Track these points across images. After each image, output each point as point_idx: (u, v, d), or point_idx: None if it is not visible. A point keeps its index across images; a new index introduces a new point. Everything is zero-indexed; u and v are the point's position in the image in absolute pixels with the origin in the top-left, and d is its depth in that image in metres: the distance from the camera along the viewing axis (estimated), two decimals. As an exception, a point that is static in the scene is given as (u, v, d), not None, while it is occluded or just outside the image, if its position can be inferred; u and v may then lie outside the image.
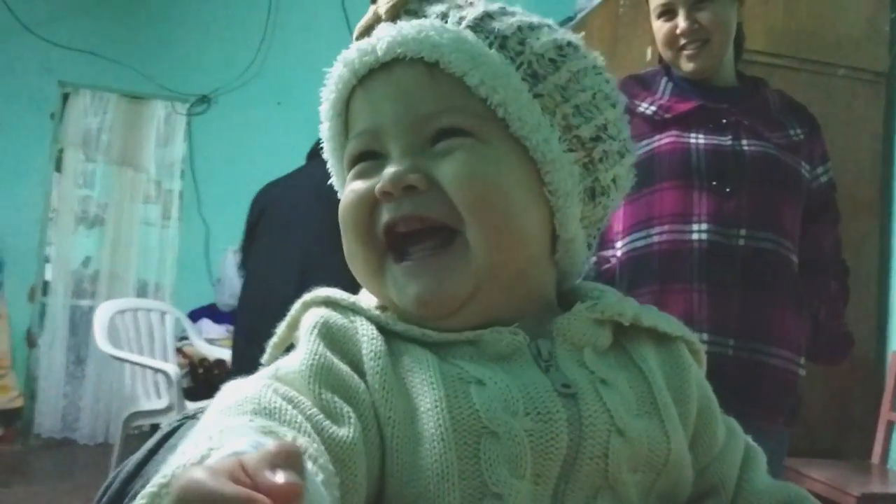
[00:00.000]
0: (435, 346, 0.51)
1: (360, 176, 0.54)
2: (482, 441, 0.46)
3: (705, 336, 1.29)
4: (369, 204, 0.53)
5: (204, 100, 4.08)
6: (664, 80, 1.46)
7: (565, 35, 0.57)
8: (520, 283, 0.54)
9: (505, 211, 0.51)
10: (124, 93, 4.10)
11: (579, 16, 3.60)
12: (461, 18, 0.55)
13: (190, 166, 4.15)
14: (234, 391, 0.44)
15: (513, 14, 0.56)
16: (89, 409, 3.98)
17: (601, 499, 0.48)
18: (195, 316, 3.72)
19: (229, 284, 3.63)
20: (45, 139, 3.99)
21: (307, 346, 0.48)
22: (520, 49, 0.54)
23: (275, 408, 0.42)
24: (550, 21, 0.58)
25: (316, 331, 0.49)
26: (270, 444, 0.30)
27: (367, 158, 0.55)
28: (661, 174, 1.36)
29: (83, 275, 4.26)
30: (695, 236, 1.33)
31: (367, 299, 0.56)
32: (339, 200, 0.56)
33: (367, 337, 0.50)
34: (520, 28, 0.55)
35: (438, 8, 0.55)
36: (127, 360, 2.96)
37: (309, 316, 0.51)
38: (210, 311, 3.81)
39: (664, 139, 1.38)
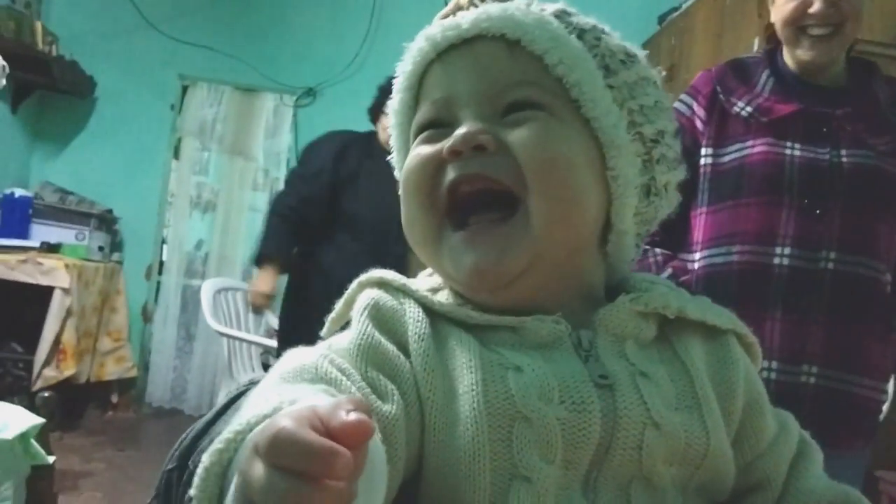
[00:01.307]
0: (478, 329, 0.52)
1: (427, 141, 0.55)
2: (515, 425, 0.47)
3: (774, 364, 1.22)
4: (435, 165, 0.54)
5: (310, 92, 4.24)
6: (766, 72, 1.35)
7: (633, 46, 0.59)
8: (571, 266, 0.54)
9: (570, 183, 0.52)
10: (237, 85, 4.31)
11: (684, 6, 3.50)
12: (543, 9, 0.57)
13: (295, 156, 4.32)
14: (293, 359, 0.47)
15: (587, 17, 0.59)
16: (196, 382, 4.21)
17: (634, 489, 0.49)
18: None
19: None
20: (165, 129, 4.25)
21: (357, 326, 0.51)
22: (595, 43, 0.56)
23: (332, 378, 0.45)
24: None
25: (367, 312, 0.52)
26: (341, 397, 0.32)
27: (436, 126, 0.55)
28: (749, 187, 1.29)
29: (195, 256, 4.51)
30: (776, 260, 1.25)
31: (418, 282, 0.57)
32: None
33: (413, 319, 0.51)
34: (595, 27, 0.58)
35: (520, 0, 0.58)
36: (231, 336, 3.13)
37: (362, 296, 0.54)
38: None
39: (757, 146, 1.29)
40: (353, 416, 0.30)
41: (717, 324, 0.56)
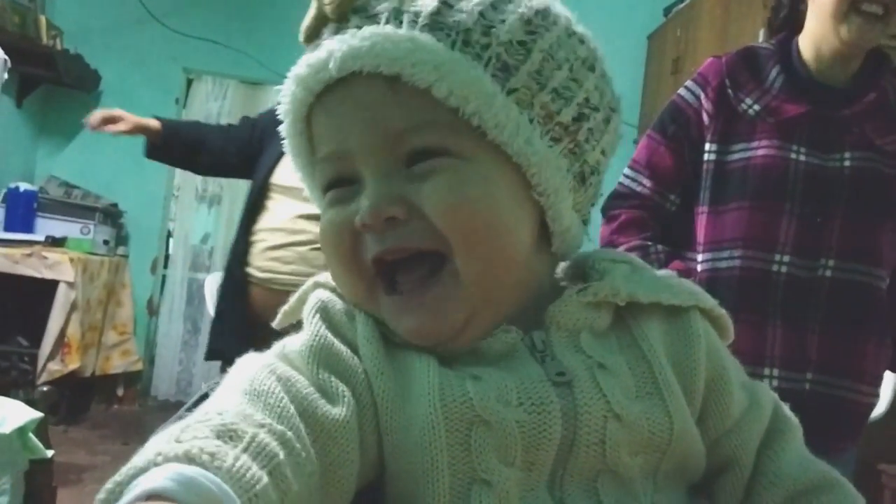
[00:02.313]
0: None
1: (335, 204, 0.51)
2: (473, 429, 0.46)
3: (776, 372, 1.22)
4: (351, 234, 0.50)
5: (313, 85, 4.24)
6: (776, 68, 1.31)
7: (530, 3, 0.51)
8: (516, 291, 0.52)
9: (495, 235, 0.49)
10: (242, 79, 4.31)
11: (689, -2, 3.47)
12: (416, 16, 0.48)
13: (299, 150, 4.33)
14: (241, 368, 0.47)
15: None
16: (201, 375, 4.23)
17: (602, 482, 0.48)
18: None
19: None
20: (170, 122, 4.27)
21: (309, 328, 0.50)
22: (486, 42, 0.48)
23: (264, 390, 0.44)
24: None
25: (319, 314, 0.50)
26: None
27: (341, 184, 0.51)
28: (752, 191, 1.27)
29: (201, 250, 4.53)
30: (775, 267, 1.24)
31: None
32: None
33: (362, 322, 0.50)
34: (482, 14, 0.49)
35: (388, 4, 0.49)
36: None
37: (313, 297, 0.52)
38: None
39: (762, 149, 1.27)
40: None
41: (675, 303, 0.53)
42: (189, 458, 0.35)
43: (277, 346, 0.50)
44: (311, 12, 0.51)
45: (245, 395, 0.43)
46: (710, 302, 0.55)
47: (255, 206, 2.13)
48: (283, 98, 0.52)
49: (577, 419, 0.47)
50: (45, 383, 3.16)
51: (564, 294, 0.52)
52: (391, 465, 0.47)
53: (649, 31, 4.01)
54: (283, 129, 0.54)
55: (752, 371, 1.24)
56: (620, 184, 1.41)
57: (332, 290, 0.53)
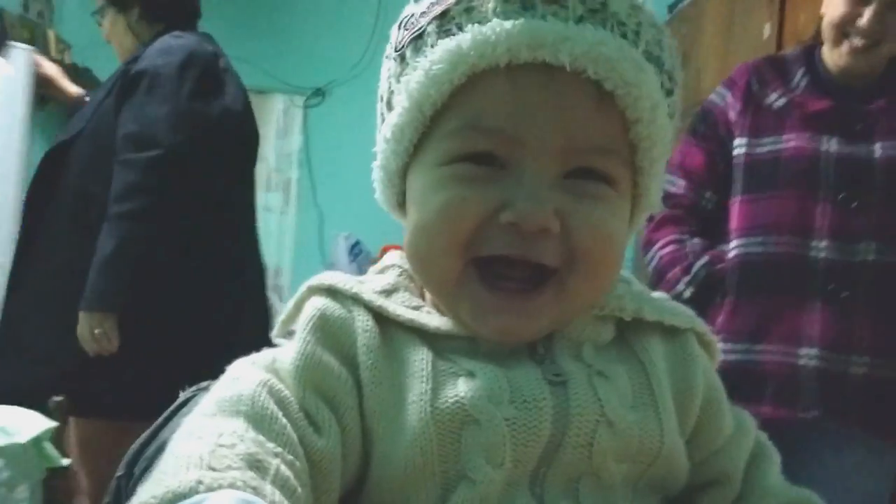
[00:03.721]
0: (433, 337, 0.50)
1: (468, 181, 0.48)
2: (465, 429, 0.46)
3: (815, 351, 1.25)
4: (478, 219, 0.47)
5: (318, 92, 4.26)
6: (801, 70, 1.37)
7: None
8: None
9: (615, 269, 0.52)
10: (248, 88, 4.33)
11: (692, -5, 3.47)
12: (637, 35, 0.47)
13: (306, 156, 4.35)
14: (235, 381, 0.46)
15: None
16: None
17: (583, 484, 0.48)
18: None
19: (340, 269, 3.78)
20: (177, 132, 4.30)
21: (299, 344, 0.49)
22: (671, 87, 0.50)
23: (266, 415, 0.44)
24: None
25: (311, 324, 0.50)
26: None
27: (478, 160, 0.48)
28: (784, 180, 1.31)
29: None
30: (812, 252, 1.28)
31: (371, 282, 0.54)
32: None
33: (362, 329, 0.49)
34: (671, 52, 0.50)
35: (621, 5, 0.47)
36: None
37: (309, 305, 0.51)
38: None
39: (791, 141, 1.32)
40: None
41: (674, 324, 0.55)
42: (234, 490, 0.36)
43: (268, 357, 0.50)
44: None
45: (248, 419, 0.43)
46: (703, 326, 0.57)
47: None
48: (459, 41, 0.46)
49: (568, 419, 0.48)
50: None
51: None
52: (377, 473, 0.48)
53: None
54: (429, 73, 0.47)
55: (787, 350, 1.27)
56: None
57: (329, 293, 0.52)
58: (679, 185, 1.45)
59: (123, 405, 1.71)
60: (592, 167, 0.48)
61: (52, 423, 1.88)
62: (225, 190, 1.84)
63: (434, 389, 0.47)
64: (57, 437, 1.93)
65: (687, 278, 1.39)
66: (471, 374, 0.48)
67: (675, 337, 0.55)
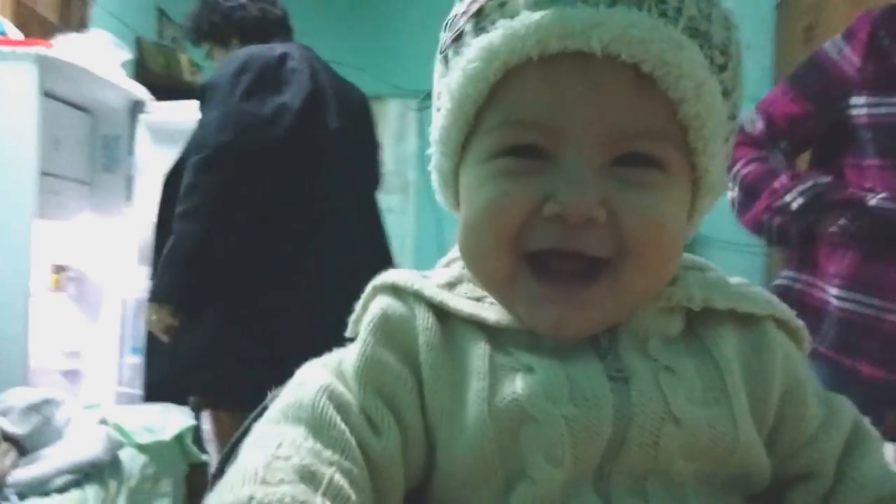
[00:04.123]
0: (494, 330, 0.50)
1: (512, 176, 0.47)
2: (524, 427, 0.46)
3: None
4: (524, 214, 0.47)
5: (430, 95, 4.32)
6: None
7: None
8: None
9: (671, 257, 0.49)
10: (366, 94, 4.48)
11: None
12: (678, 12, 0.45)
13: (422, 158, 4.43)
14: (298, 387, 0.48)
15: None
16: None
17: (651, 483, 0.46)
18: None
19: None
20: (301, 142, 4.50)
21: (360, 345, 0.50)
22: (723, 61, 0.47)
23: (325, 422, 0.45)
24: None
25: (372, 325, 0.50)
26: None
27: (522, 153, 0.47)
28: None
29: (336, 261, 4.73)
30: None
31: (435, 277, 0.54)
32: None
33: (423, 327, 0.50)
34: (726, 25, 0.48)
35: None
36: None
37: (374, 305, 0.52)
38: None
39: None
40: None
41: (750, 311, 0.51)
42: None
43: (335, 359, 0.52)
44: None
45: (308, 427, 0.45)
46: (786, 313, 0.53)
47: None
48: (493, 34, 0.46)
49: (630, 417, 0.46)
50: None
51: None
52: (442, 469, 0.48)
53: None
54: (472, 67, 0.47)
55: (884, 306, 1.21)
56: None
57: (392, 291, 0.53)
58: (757, 128, 1.38)
59: (253, 395, 1.81)
60: (639, 152, 0.46)
61: (193, 421, 2.03)
62: (291, 185, 1.87)
63: (492, 386, 0.47)
64: (197, 435, 2.07)
65: (802, 187, 1.29)
66: (529, 370, 0.47)
67: (752, 325, 0.51)
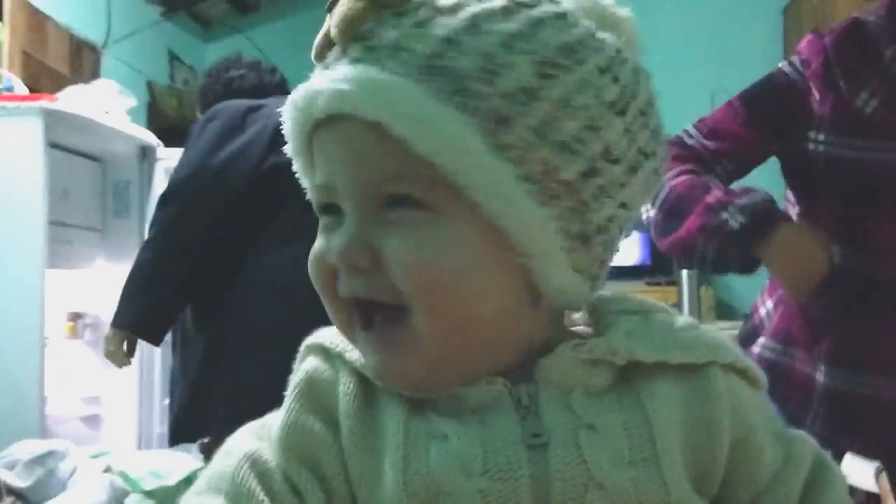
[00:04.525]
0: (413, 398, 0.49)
1: (323, 231, 0.51)
2: (440, 501, 0.45)
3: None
4: (330, 267, 0.49)
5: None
6: (891, 48, 1.08)
7: (559, 35, 0.46)
8: (490, 348, 0.49)
9: (458, 299, 0.46)
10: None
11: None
12: (412, 57, 0.45)
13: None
14: (224, 456, 0.49)
15: (494, 20, 0.45)
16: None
17: None
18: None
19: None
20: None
21: (285, 412, 0.50)
22: (485, 91, 0.44)
23: (244, 492, 0.46)
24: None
25: (298, 390, 0.51)
26: None
27: (331, 211, 0.50)
28: (883, 197, 1.09)
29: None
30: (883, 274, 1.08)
31: None
32: None
33: (343, 393, 0.49)
34: (488, 56, 0.44)
35: (393, 35, 0.46)
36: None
37: (302, 367, 0.52)
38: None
39: (885, 152, 1.09)
40: None
41: (686, 360, 0.48)
42: None
43: (264, 423, 0.52)
44: (322, 30, 0.49)
45: (228, 498, 0.46)
46: (730, 356, 0.50)
47: None
48: (285, 118, 0.51)
49: (549, 487, 0.44)
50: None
51: (557, 349, 0.49)
52: None
53: (784, 3, 3.71)
54: (288, 150, 0.52)
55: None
56: (674, 135, 1.21)
57: (321, 352, 0.52)
58: (696, 139, 1.19)
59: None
60: (395, 193, 0.47)
61: (200, 465, 2.03)
62: (253, 221, 1.90)
63: (405, 457, 0.46)
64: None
65: (741, 202, 1.08)
66: (444, 438, 0.46)
67: (693, 374, 0.49)
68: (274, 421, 0.51)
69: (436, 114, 0.44)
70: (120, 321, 1.93)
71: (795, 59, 1.20)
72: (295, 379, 0.52)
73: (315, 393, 0.50)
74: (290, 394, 0.51)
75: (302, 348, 0.54)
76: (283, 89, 2.14)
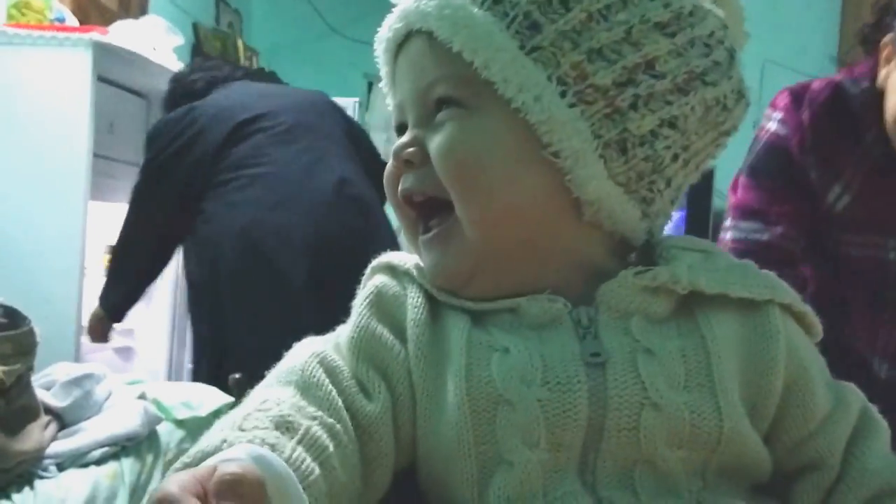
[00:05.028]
0: (476, 311, 0.51)
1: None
2: (499, 409, 0.46)
3: None
4: (397, 174, 0.56)
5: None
6: (873, 130, 1.00)
7: None
8: (533, 253, 0.51)
9: (486, 185, 0.50)
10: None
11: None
12: None
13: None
14: (291, 356, 0.51)
15: None
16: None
17: (639, 473, 0.46)
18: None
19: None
20: (354, 125, 4.56)
21: (355, 318, 0.53)
22: (516, 1, 0.50)
23: (313, 382, 0.47)
24: None
25: (368, 300, 0.54)
26: (230, 469, 0.33)
27: (402, 131, 0.56)
28: (849, 288, 1.06)
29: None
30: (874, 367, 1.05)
31: None
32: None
33: (412, 305, 0.52)
34: None
35: None
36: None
37: (370, 283, 0.55)
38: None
39: (849, 246, 1.05)
40: (226, 476, 0.32)
41: (744, 295, 0.50)
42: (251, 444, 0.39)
43: (333, 335, 0.55)
44: None
45: (297, 387, 0.47)
46: (789, 297, 0.51)
47: None
48: (377, 52, 0.59)
49: (606, 402, 0.46)
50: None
51: (619, 274, 0.50)
52: (424, 446, 0.49)
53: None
54: (383, 85, 0.61)
55: None
56: (734, 240, 1.10)
57: (388, 271, 0.56)
58: (769, 232, 1.06)
59: None
60: (439, 96, 0.52)
61: (230, 399, 2.07)
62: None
63: (468, 366, 0.48)
64: (234, 413, 2.11)
65: None
66: (505, 351, 0.48)
67: (754, 311, 0.50)
68: (343, 330, 0.53)
69: (470, 17, 0.50)
70: (100, 301, 2.23)
71: (778, 117, 1.10)
72: (363, 293, 0.54)
73: (384, 304, 0.53)
74: (360, 303, 0.54)
75: (368, 269, 0.57)
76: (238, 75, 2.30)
